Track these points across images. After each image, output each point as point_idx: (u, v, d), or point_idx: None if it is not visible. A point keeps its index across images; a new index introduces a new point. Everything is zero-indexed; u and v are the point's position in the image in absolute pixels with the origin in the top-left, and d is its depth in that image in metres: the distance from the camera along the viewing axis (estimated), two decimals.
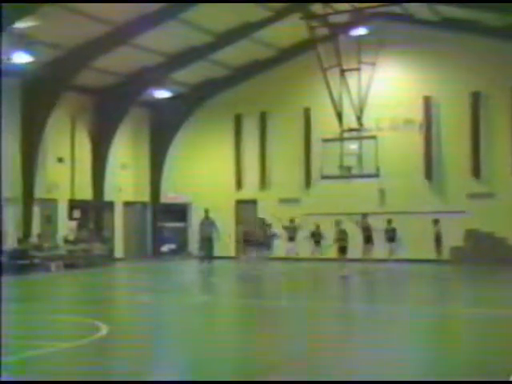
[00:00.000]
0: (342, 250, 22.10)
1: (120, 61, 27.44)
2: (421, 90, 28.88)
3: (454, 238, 26.64)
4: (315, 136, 29.36)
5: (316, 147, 28.71)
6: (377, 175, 25.04)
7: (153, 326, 12.69)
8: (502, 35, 27.01)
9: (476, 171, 27.96)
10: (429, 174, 28.74)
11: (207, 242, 26.15)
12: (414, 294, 18.63)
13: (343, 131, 26.30)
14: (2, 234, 24.56)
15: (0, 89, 22.76)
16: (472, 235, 27.48)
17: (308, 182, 30.82)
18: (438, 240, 25.23)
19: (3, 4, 18.58)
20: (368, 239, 23.92)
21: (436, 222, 25.35)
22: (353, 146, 25.54)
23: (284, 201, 31.09)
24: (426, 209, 27.43)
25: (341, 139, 25.92)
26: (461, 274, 24.41)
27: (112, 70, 28.54)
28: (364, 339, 11.15)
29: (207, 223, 25.82)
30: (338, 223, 22.53)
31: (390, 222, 24.71)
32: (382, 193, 28.81)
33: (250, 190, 32.30)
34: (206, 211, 25.89)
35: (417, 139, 28.80)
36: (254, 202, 32.14)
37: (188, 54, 28.76)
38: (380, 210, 27.67)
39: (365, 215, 24.55)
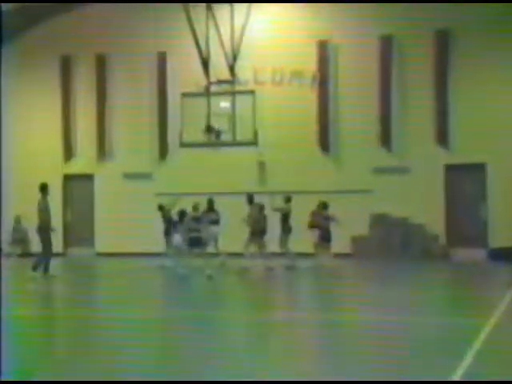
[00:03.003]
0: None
1: None
2: (314, 32, 24.88)
3: (356, 224, 23.49)
4: (173, 89, 25.43)
5: (174, 104, 24.78)
6: (255, 143, 21.57)
7: None
8: None
9: (385, 139, 24.49)
10: (324, 142, 25.15)
11: (45, 233, 18.28)
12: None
13: (210, 83, 21.87)
14: None
15: None
16: (380, 221, 24.41)
17: (163, 151, 26.60)
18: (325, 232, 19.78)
19: None
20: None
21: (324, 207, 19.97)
22: (223, 104, 21.64)
23: (131, 176, 26.78)
24: (320, 187, 23.89)
25: (207, 94, 21.56)
26: (360, 272, 21.36)
27: None
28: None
29: (44, 206, 18.31)
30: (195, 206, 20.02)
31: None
32: (262, 166, 25.32)
33: (84, 162, 27.62)
34: (44, 188, 18.57)
35: (309, 97, 25.05)
36: (89, 178, 27.47)
37: None
38: (260, 188, 23.91)
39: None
